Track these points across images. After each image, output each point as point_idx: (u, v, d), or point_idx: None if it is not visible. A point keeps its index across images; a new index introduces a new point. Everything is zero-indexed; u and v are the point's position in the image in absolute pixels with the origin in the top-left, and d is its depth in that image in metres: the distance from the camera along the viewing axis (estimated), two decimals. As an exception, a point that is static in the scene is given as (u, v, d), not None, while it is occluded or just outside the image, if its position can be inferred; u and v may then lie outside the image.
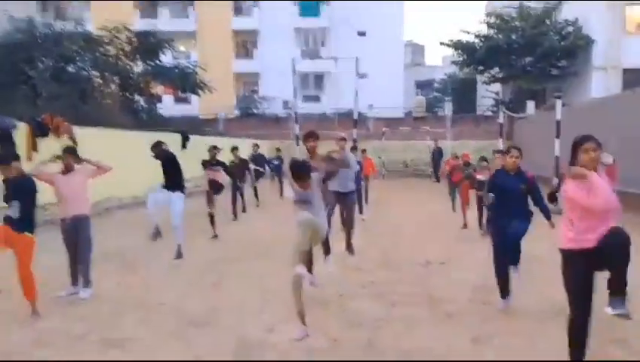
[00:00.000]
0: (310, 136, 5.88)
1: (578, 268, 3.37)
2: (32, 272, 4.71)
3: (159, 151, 7.06)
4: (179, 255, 7.14)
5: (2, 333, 4.34)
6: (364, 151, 14.30)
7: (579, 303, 3.39)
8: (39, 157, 9.65)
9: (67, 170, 5.40)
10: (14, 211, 4.60)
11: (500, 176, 5.10)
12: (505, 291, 4.96)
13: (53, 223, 8.60)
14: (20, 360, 3.86)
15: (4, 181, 4.76)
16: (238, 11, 34.20)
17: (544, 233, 5.11)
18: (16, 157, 4.85)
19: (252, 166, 12.90)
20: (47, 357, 3.86)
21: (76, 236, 5.35)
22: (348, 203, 7.28)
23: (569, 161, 3.45)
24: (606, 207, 3.26)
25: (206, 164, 9.10)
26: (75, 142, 10.94)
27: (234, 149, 11.69)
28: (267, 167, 14.73)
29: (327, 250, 6.06)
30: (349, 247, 7.41)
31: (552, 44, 24.03)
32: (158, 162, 7.20)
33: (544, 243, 5.91)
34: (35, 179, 4.93)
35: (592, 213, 3.32)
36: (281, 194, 14.34)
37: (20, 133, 9.61)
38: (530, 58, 25.42)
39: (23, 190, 4.67)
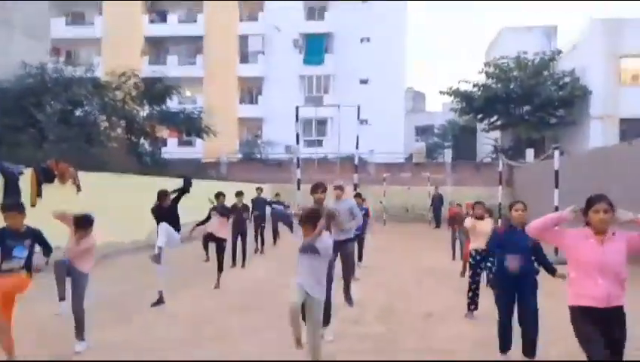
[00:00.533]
0: (318, 188, 5.93)
1: (583, 322, 3.38)
2: (11, 320, 4.58)
3: (168, 200, 7.33)
4: (159, 301, 7.21)
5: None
6: (362, 198, 14.33)
7: (591, 353, 3.33)
8: (43, 202, 9.76)
9: (81, 237, 5.41)
10: (19, 262, 4.60)
11: (507, 233, 5.07)
12: (505, 346, 4.90)
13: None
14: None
15: (3, 231, 4.69)
16: (243, 59, 35.21)
17: (547, 287, 5.09)
18: (22, 210, 4.87)
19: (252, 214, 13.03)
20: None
21: (71, 281, 5.32)
22: (346, 250, 7.26)
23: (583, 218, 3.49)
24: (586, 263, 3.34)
25: (212, 211, 9.16)
26: (79, 187, 11.09)
27: (239, 194, 11.75)
28: (266, 211, 14.72)
29: (326, 320, 5.78)
30: (347, 297, 7.36)
31: (550, 94, 24.60)
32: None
33: (550, 298, 5.87)
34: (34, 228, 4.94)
35: (580, 268, 3.40)
36: (275, 242, 14.42)
37: (26, 179, 9.73)
38: (528, 107, 25.95)
39: (31, 240, 4.70)
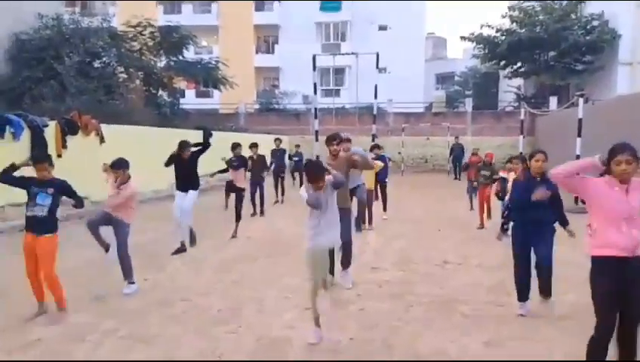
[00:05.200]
0: (333, 139, 5.93)
1: (602, 275, 3.31)
2: (56, 275, 4.80)
3: (189, 152, 7.42)
4: (192, 239, 7.55)
5: (35, 327, 4.59)
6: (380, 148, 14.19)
7: (601, 315, 3.30)
8: (68, 153, 10.03)
9: (120, 183, 5.65)
10: (42, 209, 4.77)
11: (526, 182, 5.04)
12: (523, 296, 4.97)
13: (81, 218, 8.95)
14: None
15: (30, 179, 4.86)
16: (259, 6, 34.41)
17: (566, 236, 5.11)
18: (50, 161, 4.98)
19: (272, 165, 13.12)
20: (83, 351, 4.11)
21: (113, 229, 5.64)
22: (361, 195, 7.41)
23: (604, 169, 3.38)
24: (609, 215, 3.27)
25: (229, 163, 9.30)
26: (102, 139, 11.32)
27: (253, 146, 11.86)
28: (287, 163, 14.93)
29: (347, 263, 6.03)
30: (358, 224, 7.58)
31: (577, 39, 23.60)
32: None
33: (565, 247, 5.93)
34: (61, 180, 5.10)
35: (603, 217, 3.33)
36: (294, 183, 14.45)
37: (50, 131, 9.95)
38: (553, 53, 25.02)
39: (54, 190, 4.83)
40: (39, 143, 9.19)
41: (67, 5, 20.37)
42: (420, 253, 7.77)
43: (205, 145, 7.72)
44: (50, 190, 4.81)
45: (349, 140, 7.08)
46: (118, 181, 5.64)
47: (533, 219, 4.83)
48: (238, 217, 8.99)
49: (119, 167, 5.64)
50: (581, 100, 12.29)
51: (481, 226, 9.66)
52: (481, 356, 4.07)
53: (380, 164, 9.62)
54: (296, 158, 14.95)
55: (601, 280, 3.33)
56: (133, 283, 5.67)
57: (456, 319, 4.91)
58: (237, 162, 9.32)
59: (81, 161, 9.45)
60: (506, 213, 6.68)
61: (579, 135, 11.90)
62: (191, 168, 7.58)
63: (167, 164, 7.62)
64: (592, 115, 14.10)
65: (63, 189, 4.95)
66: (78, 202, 5.08)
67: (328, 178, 4.31)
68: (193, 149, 7.67)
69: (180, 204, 7.53)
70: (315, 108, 14.08)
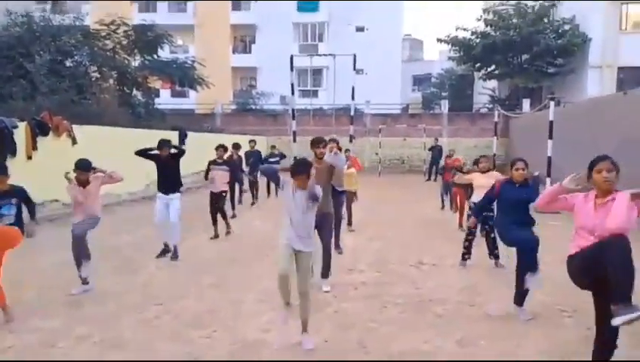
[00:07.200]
0: (319, 143, 5.95)
1: (570, 263, 3.54)
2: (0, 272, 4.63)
3: (167, 151, 7.30)
4: (175, 255, 7.32)
5: (4, 333, 4.49)
6: (347, 150, 14.11)
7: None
8: (38, 155, 9.80)
9: (82, 185, 5.56)
10: (9, 219, 4.67)
11: (507, 187, 5.23)
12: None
13: (52, 221, 8.77)
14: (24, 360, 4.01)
15: None
16: (236, 6, 34.19)
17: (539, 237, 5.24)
18: (4, 171, 4.80)
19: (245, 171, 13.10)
20: (56, 358, 4.02)
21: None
22: (339, 201, 7.43)
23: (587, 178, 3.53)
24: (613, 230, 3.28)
25: (211, 164, 9.22)
26: (74, 140, 11.09)
27: (235, 146, 11.87)
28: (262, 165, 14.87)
29: (326, 272, 6.01)
30: (337, 245, 7.57)
31: (549, 43, 24.18)
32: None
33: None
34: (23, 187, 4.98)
35: (577, 229, 3.50)
36: (269, 194, 14.38)
37: (20, 133, 9.70)
38: (526, 56, 25.57)
39: (18, 199, 4.76)
40: (8, 145, 8.94)
41: (37, 2, 19.84)
42: (396, 253, 7.85)
43: (181, 151, 7.63)
44: (15, 200, 4.75)
45: (336, 142, 7.13)
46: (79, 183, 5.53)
47: (514, 220, 5.00)
48: (225, 215, 9.16)
49: (87, 168, 5.53)
50: (552, 103, 12.58)
51: (460, 226, 9.78)
52: (454, 355, 4.14)
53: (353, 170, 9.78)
54: (271, 159, 14.81)
55: (569, 265, 3.58)
56: (87, 283, 5.62)
57: (430, 319, 4.98)
58: (222, 163, 9.28)
59: (52, 164, 9.21)
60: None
61: (550, 137, 12.18)
62: (173, 170, 7.40)
63: (139, 153, 7.29)
64: (563, 117, 14.45)
65: (24, 197, 4.87)
66: (32, 210, 4.98)
67: (311, 182, 4.21)
68: (172, 151, 7.48)
69: (162, 210, 7.33)
70: (293, 109, 14.04)
